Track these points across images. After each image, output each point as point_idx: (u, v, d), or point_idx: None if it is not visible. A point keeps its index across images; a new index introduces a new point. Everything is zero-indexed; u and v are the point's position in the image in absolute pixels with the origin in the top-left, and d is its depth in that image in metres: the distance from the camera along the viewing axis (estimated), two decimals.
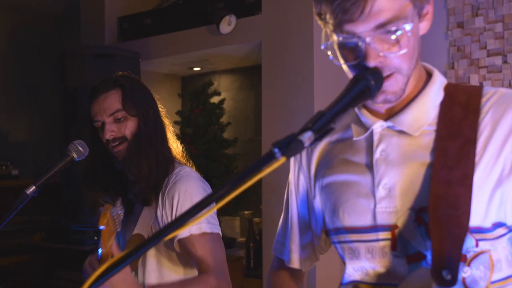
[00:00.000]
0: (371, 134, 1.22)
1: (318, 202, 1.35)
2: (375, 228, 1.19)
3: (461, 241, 1.06)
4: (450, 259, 1.05)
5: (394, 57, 1.09)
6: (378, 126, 1.21)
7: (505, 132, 1.10)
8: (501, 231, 1.12)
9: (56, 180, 2.53)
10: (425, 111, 1.17)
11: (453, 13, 3.57)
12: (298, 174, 1.40)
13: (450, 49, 3.58)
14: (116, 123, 1.84)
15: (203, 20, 4.07)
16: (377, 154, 1.20)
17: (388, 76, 1.11)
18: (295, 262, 1.43)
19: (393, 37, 1.08)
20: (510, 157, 1.10)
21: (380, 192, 1.18)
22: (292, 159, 1.36)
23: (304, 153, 1.38)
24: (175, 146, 1.98)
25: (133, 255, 0.94)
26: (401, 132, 1.19)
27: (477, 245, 1.11)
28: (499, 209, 1.11)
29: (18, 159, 4.96)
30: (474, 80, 3.49)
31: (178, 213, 1.75)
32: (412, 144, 1.17)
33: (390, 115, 1.21)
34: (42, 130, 5.72)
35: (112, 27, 4.72)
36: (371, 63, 1.07)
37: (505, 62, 3.41)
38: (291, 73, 3.65)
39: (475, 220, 1.09)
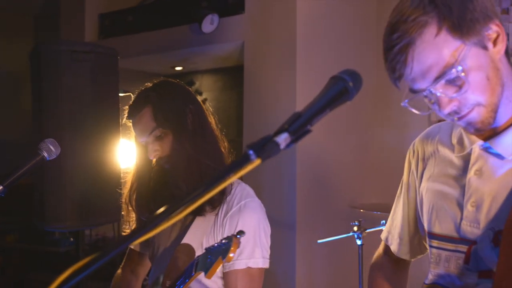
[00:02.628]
0: (470, 152, 1.26)
1: (419, 203, 1.42)
2: (456, 240, 1.25)
3: None
4: (510, 284, 1.07)
5: (467, 96, 1.12)
6: (477, 146, 1.25)
7: None
8: None
9: (29, 179, 2.47)
10: None
11: None
12: (409, 171, 1.47)
13: None
14: (158, 141, 1.74)
15: (186, 19, 4.02)
16: (471, 173, 1.25)
17: (469, 111, 1.14)
18: (403, 253, 1.53)
19: (457, 80, 1.10)
20: None
21: (468, 208, 1.23)
22: (407, 154, 1.46)
23: (417, 150, 1.44)
24: (224, 146, 1.87)
25: (101, 258, 0.90)
26: (497, 154, 1.21)
27: None
28: None
29: None
30: None
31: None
32: (505, 167, 1.20)
33: (490, 136, 1.22)
34: (15, 127, 5.61)
35: (92, 24, 4.65)
36: (447, 110, 1.13)
37: None
38: (273, 74, 3.61)
39: None
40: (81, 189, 2.37)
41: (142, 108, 1.76)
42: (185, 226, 1.81)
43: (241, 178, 3.50)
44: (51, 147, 1.63)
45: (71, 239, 4.35)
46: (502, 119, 1.19)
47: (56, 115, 2.37)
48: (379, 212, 3.03)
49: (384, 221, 2.74)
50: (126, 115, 1.83)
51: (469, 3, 1.11)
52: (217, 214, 1.75)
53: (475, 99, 1.13)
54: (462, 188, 1.25)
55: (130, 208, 1.87)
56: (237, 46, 3.95)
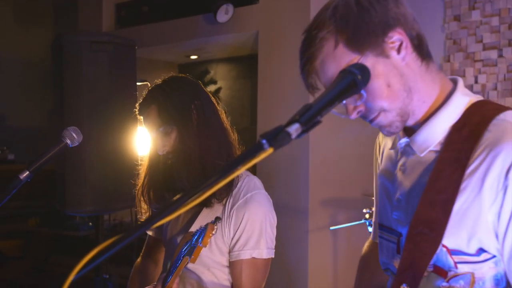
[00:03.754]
0: (398, 148, 1.31)
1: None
2: (391, 231, 1.32)
3: (427, 259, 1.13)
4: (413, 274, 1.13)
5: (369, 102, 1.16)
6: (403, 141, 1.29)
7: (493, 172, 1.09)
8: (486, 255, 1.14)
9: (51, 165, 2.55)
10: (434, 132, 1.21)
11: (450, 6, 3.58)
12: (375, 159, 1.51)
13: (446, 42, 3.59)
14: (166, 137, 1.80)
15: (201, 9, 4.07)
16: (397, 167, 1.30)
17: (376, 117, 1.19)
18: (375, 237, 1.57)
19: None
20: (491, 195, 1.10)
21: (394, 201, 1.29)
22: (376, 143, 1.50)
23: (380, 143, 1.49)
24: (234, 138, 1.89)
25: (118, 244, 0.96)
26: (414, 150, 1.26)
27: (456, 267, 1.15)
28: (483, 238, 1.12)
29: (14, 144, 4.98)
30: (469, 74, 3.51)
31: (242, 234, 1.76)
32: (420, 163, 1.23)
33: (412, 132, 1.26)
34: (40, 115, 5.72)
35: (109, 13, 4.71)
36: (353, 116, 1.18)
37: (500, 56, 3.42)
38: (287, 63, 3.65)
39: (453, 243, 1.13)
40: (100, 175, 2.45)
41: (149, 105, 1.82)
42: (192, 216, 1.87)
43: (255, 167, 3.56)
44: (74, 135, 1.70)
45: (90, 223, 4.46)
46: (418, 118, 1.23)
47: (76, 104, 2.45)
48: None
49: None
50: (137, 111, 1.88)
51: (366, 14, 1.15)
52: (224, 205, 1.80)
53: (378, 105, 1.16)
54: (393, 182, 1.31)
55: (141, 199, 1.92)
56: (251, 35, 3.99)
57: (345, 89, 1.04)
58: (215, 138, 1.81)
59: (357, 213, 3.12)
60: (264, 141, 0.94)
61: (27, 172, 1.58)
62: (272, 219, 1.83)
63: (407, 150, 1.27)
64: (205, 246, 1.62)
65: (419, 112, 1.22)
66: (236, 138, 1.91)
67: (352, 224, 2.97)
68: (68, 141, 1.69)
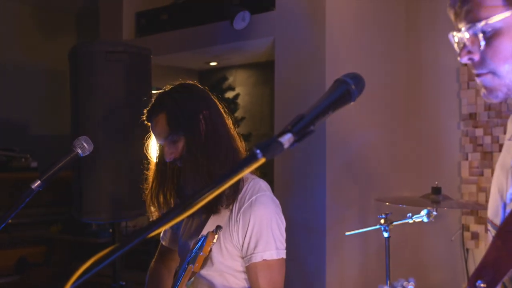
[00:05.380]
0: None
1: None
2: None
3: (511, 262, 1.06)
4: (493, 274, 1.06)
5: (486, 57, 1.12)
6: None
7: None
8: None
9: (69, 173, 2.61)
10: None
11: None
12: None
13: None
14: (174, 144, 1.82)
15: (218, 16, 4.11)
16: None
17: (484, 74, 1.14)
18: None
19: (480, 35, 1.10)
20: None
21: (508, 199, 1.20)
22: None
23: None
24: (242, 146, 1.91)
25: (119, 250, 0.98)
26: None
27: None
28: None
29: (37, 152, 5.07)
30: None
31: (250, 238, 1.76)
32: None
33: None
34: (63, 124, 5.82)
35: (130, 22, 4.78)
36: (462, 58, 1.14)
37: None
38: (303, 70, 3.66)
39: None
40: (115, 183, 2.49)
41: (158, 113, 1.84)
42: (201, 224, 1.88)
43: (272, 175, 3.57)
44: (85, 144, 1.73)
45: (110, 230, 4.52)
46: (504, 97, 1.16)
47: (91, 113, 2.49)
48: (404, 206, 3.06)
49: (410, 214, 2.77)
50: (145, 118, 1.91)
51: None
52: (231, 211, 1.80)
53: (493, 64, 1.11)
54: (509, 174, 1.21)
55: (151, 204, 1.94)
56: (268, 42, 4.01)
57: (339, 99, 1.04)
58: (222, 147, 1.82)
59: (372, 219, 3.11)
60: (257, 151, 0.96)
61: (39, 182, 1.61)
62: (279, 220, 1.82)
63: None
64: (206, 254, 1.64)
65: None
66: (244, 145, 1.92)
67: (368, 230, 2.95)
68: (79, 151, 1.72)
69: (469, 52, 1.12)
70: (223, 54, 4.59)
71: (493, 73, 1.12)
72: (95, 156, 2.00)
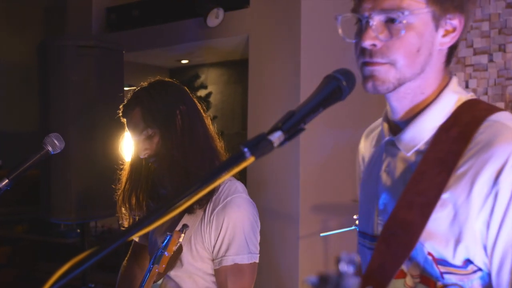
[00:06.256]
0: (383, 146, 1.24)
1: None
2: (374, 238, 1.22)
3: (398, 263, 1.07)
4: (381, 278, 1.07)
5: (391, 47, 1.08)
6: (387, 140, 1.22)
7: (484, 176, 1.03)
8: (473, 267, 1.07)
9: (40, 171, 2.51)
10: (421, 131, 1.14)
11: None
12: (358, 167, 1.43)
13: None
14: (148, 140, 1.77)
15: (191, 13, 4.04)
16: (383, 167, 1.22)
17: (380, 64, 1.10)
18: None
19: (398, 25, 1.07)
20: (479, 204, 1.03)
21: (380, 205, 1.21)
22: (359, 149, 1.41)
23: (361, 149, 1.40)
24: (220, 146, 1.87)
25: (98, 253, 0.93)
26: (400, 149, 1.18)
27: (442, 277, 1.09)
28: (470, 247, 1.06)
29: (2, 149, 4.92)
30: (460, 78, 3.49)
31: (223, 240, 1.72)
32: (405, 163, 1.17)
33: (397, 131, 1.19)
34: (29, 120, 5.67)
35: (99, 17, 4.68)
36: (365, 41, 1.08)
37: (491, 61, 3.41)
38: (277, 68, 3.63)
39: (438, 252, 1.07)
40: (86, 182, 2.41)
41: (133, 108, 1.79)
42: (174, 222, 1.84)
43: (245, 172, 3.53)
44: (56, 142, 1.66)
45: (78, 230, 4.41)
46: (403, 109, 1.16)
47: (62, 109, 2.41)
48: None
49: None
50: (120, 113, 1.85)
51: None
52: (204, 211, 1.77)
53: (394, 55, 1.08)
54: (378, 183, 1.23)
55: (122, 206, 1.89)
56: (242, 40, 3.97)
57: (329, 95, 1.00)
58: (199, 144, 1.78)
59: (348, 220, 3.09)
60: (245, 150, 0.91)
61: (6, 180, 1.54)
62: (254, 222, 1.78)
63: (392, 150, 1.20)
64: (171, 254, 1.59)
65: (414, 100, 1.15)
66: (223, 145, 1.88)
67: (343, 231, 2.94)
68: (50, 148, 1.66)
69: (375, 38, 1.08)
70: (195, 52, 4.53)
71: (392, 64, 1.09)
72: (65, 154, 1.93)
